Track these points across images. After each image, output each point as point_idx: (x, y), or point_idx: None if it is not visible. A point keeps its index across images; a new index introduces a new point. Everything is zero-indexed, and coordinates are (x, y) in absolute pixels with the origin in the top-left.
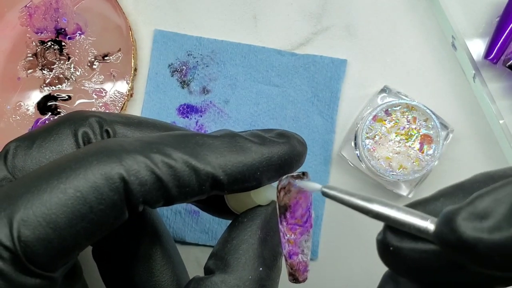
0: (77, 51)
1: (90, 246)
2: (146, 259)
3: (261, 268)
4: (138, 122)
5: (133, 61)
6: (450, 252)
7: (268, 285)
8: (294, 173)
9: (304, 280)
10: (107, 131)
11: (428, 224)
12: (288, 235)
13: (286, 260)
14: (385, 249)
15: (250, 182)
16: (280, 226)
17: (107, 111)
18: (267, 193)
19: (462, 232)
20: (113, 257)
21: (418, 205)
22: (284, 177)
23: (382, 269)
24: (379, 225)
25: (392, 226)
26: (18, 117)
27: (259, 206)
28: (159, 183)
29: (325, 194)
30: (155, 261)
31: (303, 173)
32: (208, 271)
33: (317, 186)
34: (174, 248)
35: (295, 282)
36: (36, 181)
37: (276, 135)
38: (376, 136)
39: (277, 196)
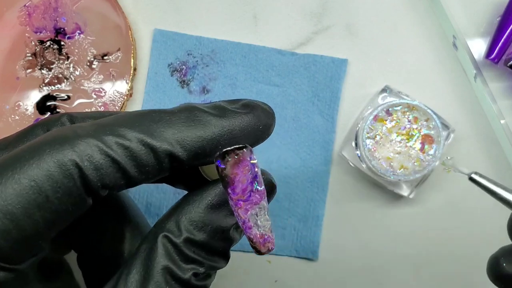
0: (76, 50)
1: (75, 253)
2: None
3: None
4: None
5: (132, 60)
6: None
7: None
8: (229, 148)
9: (266, 252)
10: None
11: None
12: (236, 211)
13: (245, 234)
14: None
15: (213, 156)
16: (229, 201)
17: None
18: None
19: None
20: (99, 264)
21: None
22: (217, 154)
23: (381, 269)
24: (379, 225)
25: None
26: (17, 117)
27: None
28: (116, 165)
29: (472, 180)
30: None
31: (239, 147)
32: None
33: (466, 171)
34: None
35: (259, 254)
36: None
37: (240, 106)
38: (377, 136)
39: (218, 174)
